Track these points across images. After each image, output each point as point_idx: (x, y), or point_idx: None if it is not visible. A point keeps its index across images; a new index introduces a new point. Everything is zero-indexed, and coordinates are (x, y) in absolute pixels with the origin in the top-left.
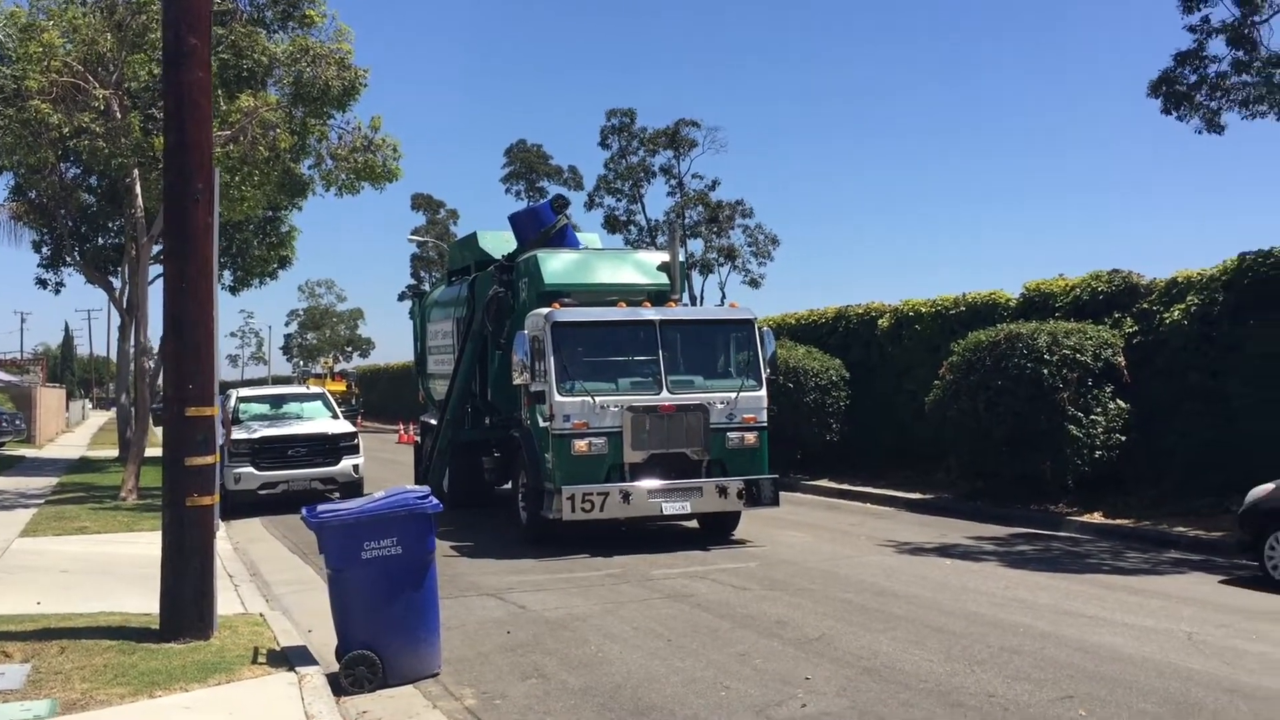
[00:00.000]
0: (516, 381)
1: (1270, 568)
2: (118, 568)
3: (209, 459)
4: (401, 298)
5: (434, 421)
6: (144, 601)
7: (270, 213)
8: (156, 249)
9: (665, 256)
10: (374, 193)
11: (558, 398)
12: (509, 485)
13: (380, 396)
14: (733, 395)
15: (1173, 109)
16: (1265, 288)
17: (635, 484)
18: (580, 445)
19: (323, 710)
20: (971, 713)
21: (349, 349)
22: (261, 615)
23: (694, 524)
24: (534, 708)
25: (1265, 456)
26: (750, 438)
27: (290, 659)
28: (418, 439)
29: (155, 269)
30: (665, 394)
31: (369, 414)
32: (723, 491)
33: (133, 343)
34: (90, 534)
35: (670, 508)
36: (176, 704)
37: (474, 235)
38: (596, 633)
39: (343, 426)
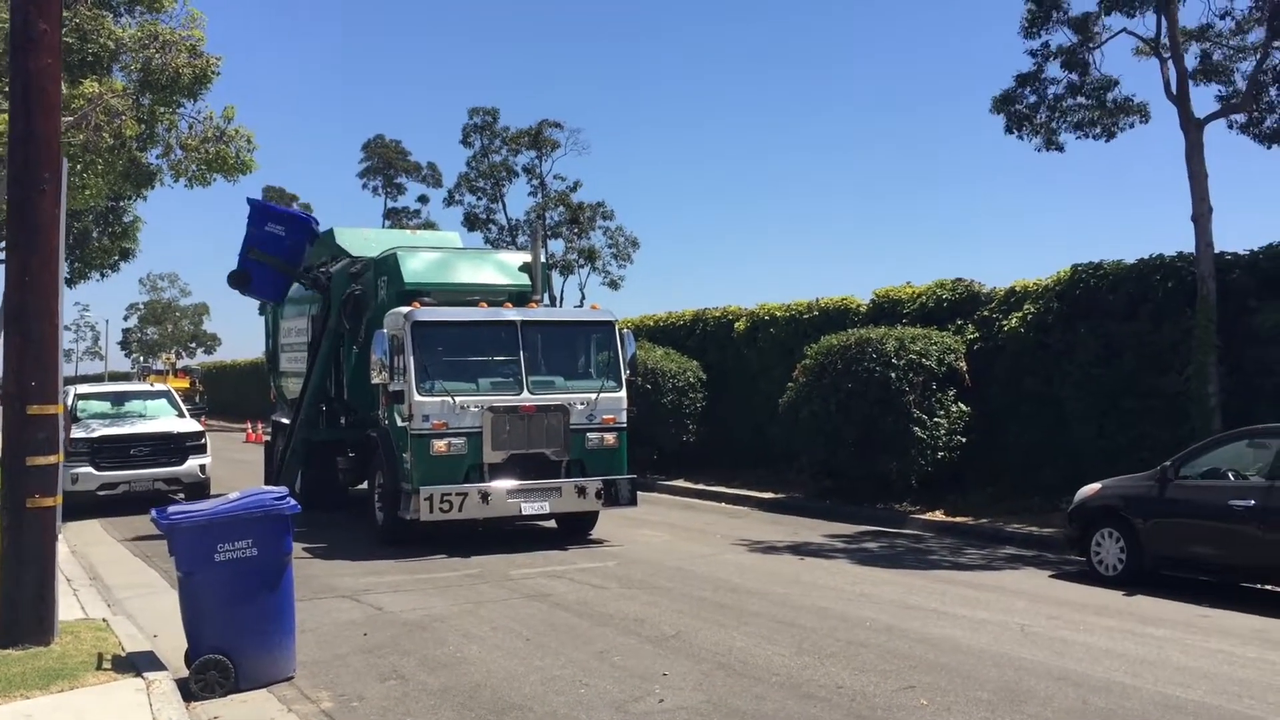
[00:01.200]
0: (375, 381)
1: (1096, 562)
2: None
3: (52, 459)
4: None
5: (287, 421)
6: None
7: (114, 202)
8: None
9: (527, 257)
10: (225, 184)
11: (417, 397)
12: (365, 486)
13: (227, 394)
14: (593, 396)
15: (1014, 128)
16: (1094, 298)
17: (494, 484)
18: (439, 445)
19: (173, 716)
20: (821, 704)
21: (193, 345)
22: (105, 620)
23: (552, 524)
24: (392, 709)
25: (1092, 458)
26: (610, 438)
27: (137, 664)
28: (268, 438)
29: None
30: (526, 394)
31: (214, 412)
32: (581, 492)
33: None
34: None
35: (529, 508)
36: (17, 712)
37: (331, 231)
38: (455, 633)
39: (189, 425)
